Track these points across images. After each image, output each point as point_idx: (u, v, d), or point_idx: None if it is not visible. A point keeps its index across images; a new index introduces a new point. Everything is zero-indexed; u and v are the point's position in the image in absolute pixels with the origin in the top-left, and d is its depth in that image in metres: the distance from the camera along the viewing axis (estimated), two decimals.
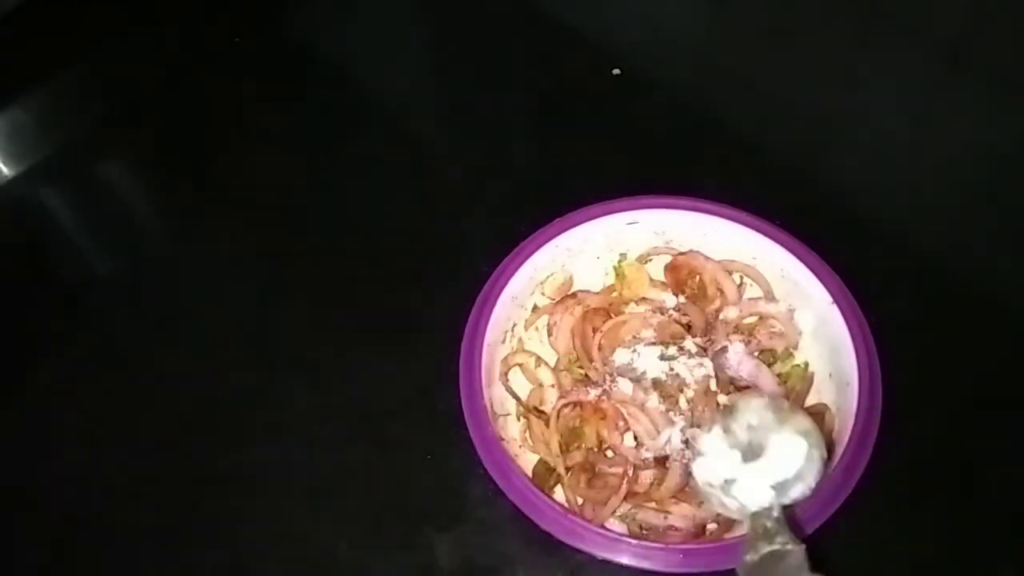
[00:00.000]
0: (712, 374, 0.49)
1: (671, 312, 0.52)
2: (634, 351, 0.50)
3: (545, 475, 0.49)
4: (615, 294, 0.54)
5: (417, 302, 0.58)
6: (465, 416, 0.47)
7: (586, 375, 0.52)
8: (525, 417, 0.51)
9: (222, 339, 0.58)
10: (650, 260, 0.55)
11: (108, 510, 0.52)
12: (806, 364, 0.52)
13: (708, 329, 0.52)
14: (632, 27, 0.75)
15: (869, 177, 0.64)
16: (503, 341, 0.52)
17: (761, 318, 0.53)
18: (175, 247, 0.65)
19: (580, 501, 0.48)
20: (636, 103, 0.69)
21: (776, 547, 0.37)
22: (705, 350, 0.50)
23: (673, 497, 0.48)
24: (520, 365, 0.52)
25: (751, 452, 0.40)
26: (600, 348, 0.51)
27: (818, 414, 0.49)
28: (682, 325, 0.52)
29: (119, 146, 0.71)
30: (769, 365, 0.51)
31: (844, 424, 0.46)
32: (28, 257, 0.65)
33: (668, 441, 0.47)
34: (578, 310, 0.53)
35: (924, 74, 0.69)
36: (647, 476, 0.47)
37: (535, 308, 0.54)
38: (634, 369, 0.49)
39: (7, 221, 0.67)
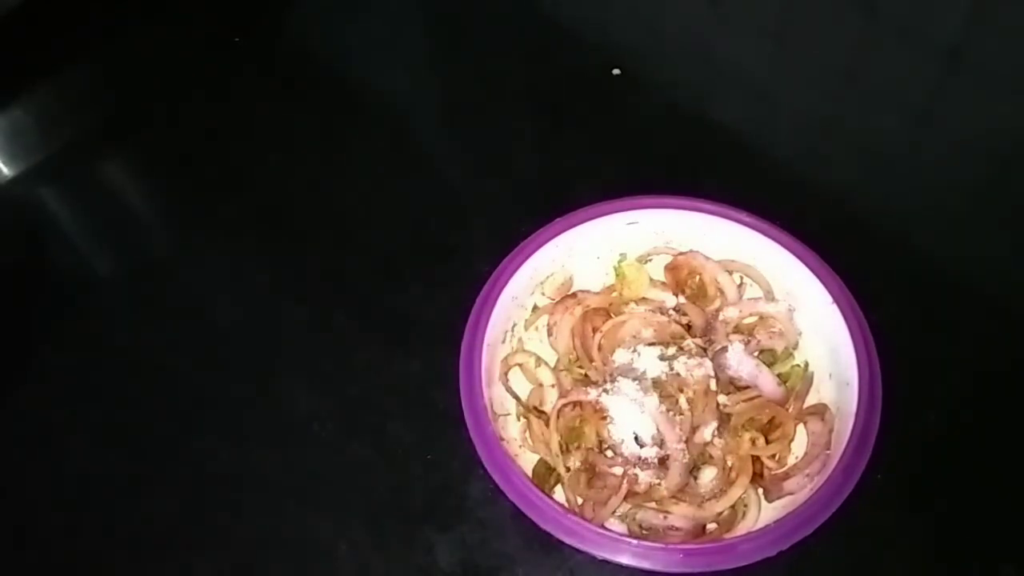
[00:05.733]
0: (712, 374, 0.49)
1: (671, 312, 0.52)
2: (634, 351, 0.50)
3: (545, 475, 0.49)
4: (615, 294, 0.54)
5: (417, 302, 0.58)
6: (465, 416, 0.47)
7: (586, 375, 0.52)
8: (525, 417, 0.51)
9: (222, 339, 0.58)
10: (650, 260, 0.55)
11: (108, 510, 0.52)
12: (806, 364, 0.52)
13: (708, 329, 0.52)
14: (632, 27, 0.75)
15: (869, 177, 0.64)
16: (503, 341, 0.52)
17: (761, 318, 0.53)
18: (175, 247, 0.65)
19: (580, 501, 0.48)
20: (636, 103, 0.69)
21: None
22: (705, 350, 0.50)
23: (673, 497, 0.48)
24: (520, 365, 0.52)
25: None
26: (600, 348, 0.51)
27: (818, 414, 0.49)
28: (682, 325, 0.51)
29: (119, 146, 0.71)
30: (769, 365, 0.51)
31: (844, 424, 0.46)
32: (28, 257, 0.65)
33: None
34: (578, 310, 0.53)
35: (924, 74, 0.69)
36: (647, 476, 0.47)
37: (535, 308, 0.54)
38: (634, 369, 0.49)
39: (7, 221, 0.67)
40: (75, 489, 0.53)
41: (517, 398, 0.51)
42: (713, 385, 0.49)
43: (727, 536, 0.46)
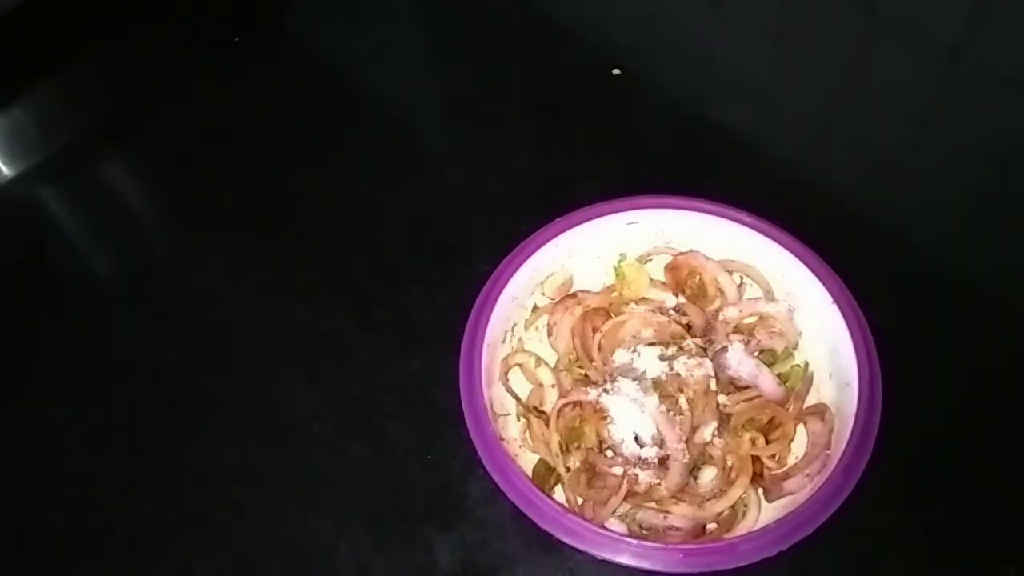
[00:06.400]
0: (712, 374, 0.49)
1: (671, 312, 0.52)
2: (634, 351, 0.50)
3: (545, 475, 0.49)
4: (615, 294, 0.54)
5: (417, 302, 0.58)
6: (465, 416, 0.47)
7: (586, 375, 0.52)
8: (525, 417, 0.51)
9: (222, 339, 0.58)
10: (650, 260, 0.55)
11: (108, 510, 0.52)
12: (806, 364, 0.52)
13: (708, 329, 0.52)
14: (632, 27, 0.75)
15: (869, 177, 0.64)
16: (503, 341, 0.52)
17: (761, 318, 0.53)
18: (175, 247, 0.65)
19: (580, 501, 0.48)
20: (636, 103, 0.69)
21: None
22: (705, 350, 0.50)
23: (673, 497, 0.48)
24: (520, 365, 0.52)
25: None
26: (600, 348, 0.51)
27: (818, 414, 0.49)
28: (682, 325, 0.51)
29: (119, 146, 0.71)
30: (769, 365, 0.51)
31: (844, 424, 0.46)
32: (28, 257, 0.65)
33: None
34: (578, 310, 0.53)
35: (924, 74, 0.69)
36: (647, 476, 0.47)
37: (535, 308, 0.54)
38: (634, 369, 0.49)
39: (7, 221, 0.67)
40: (75, 489, 0.53)
41: (517, 398, 0.51)
42: (713, 385, 0.49)
43: (727, 536, 0.46)
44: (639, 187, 0.54)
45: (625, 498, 0.47)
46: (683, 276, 0.54)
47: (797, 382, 0.51)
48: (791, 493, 0.47)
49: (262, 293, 0.60)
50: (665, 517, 0.47)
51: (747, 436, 0.48)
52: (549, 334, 0.54)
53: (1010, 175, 0.64)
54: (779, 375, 0.51)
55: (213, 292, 0.61)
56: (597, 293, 0.54)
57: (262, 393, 0.56)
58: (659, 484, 0.47)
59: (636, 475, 0.47)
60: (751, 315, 0.53)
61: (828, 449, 0.47)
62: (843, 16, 0.73)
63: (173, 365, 0.57)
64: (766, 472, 0.49)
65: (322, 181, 0.66)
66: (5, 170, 0.69)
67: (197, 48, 0.76)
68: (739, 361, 0.50)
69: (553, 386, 0.51)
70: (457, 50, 0.76)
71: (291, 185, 0.66)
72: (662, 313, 0.52)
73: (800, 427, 0.49)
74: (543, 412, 0.51)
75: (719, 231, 0.53)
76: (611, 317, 0.52)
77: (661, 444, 0.48)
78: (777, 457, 0.49)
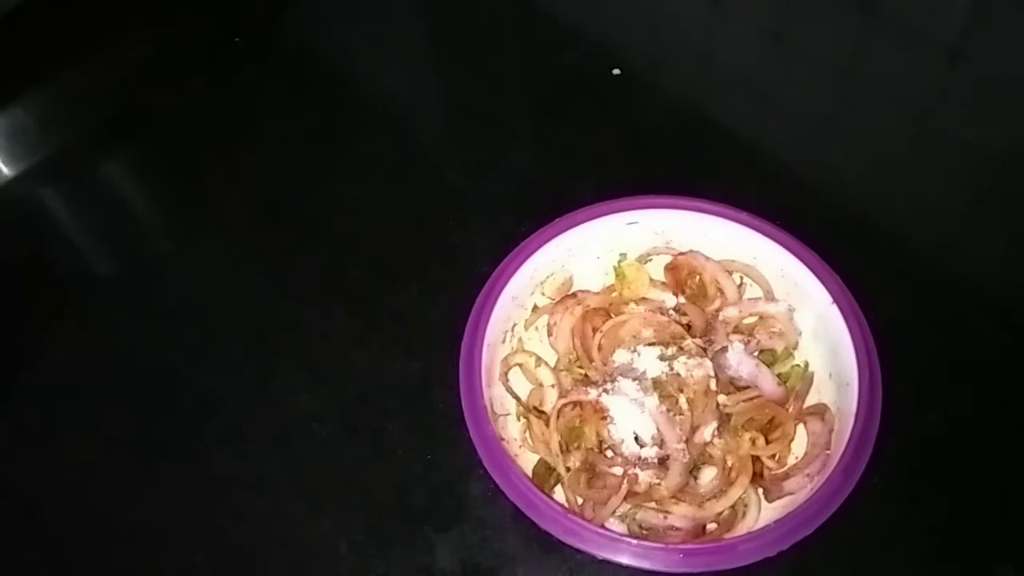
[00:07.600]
0: (712, 374, 0.49)
1: (671, 312, 0.53)
2: (634, 351, 0.50)
3: (545, 475, 0.49)
4: (615, 294, 0.54)
5: (417, 302, 0.58)
6: (465, 416, 0.47)
7: (586, 375, 0.52)
8: (525, 417, 0.51)
9: (222, 339, 0.58)
10: (650, 260, 0.55)
11: (108, 510, 0.52)
12: (806, 364, 0.52)
13: (708, 329, 0.52)
14: (632, 27, 0.75)
15: (869, 177, 0.64)
16: (503, 341, 0.52)
17: (761, 318, 0.53)
18: (175, 247, 0.65)
19: (580, 501, 0.49)
20: (636, 103, 0.69)
21: None
22: (705, 350, 0.50)
23: (673, 497, 0.48)
24: (520, 365, 0.52)
25: None
26: (600, 348, 0.51)
27: (818, 414, 0.49)
28: (682, 325, 0.52)
29: (119, 146, 0.71)
30: (769, 365, 0.51)
31: (844, 424, 0.46)
32: (28, 257, 0.65)
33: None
34: (578, 310, 0.53)
35: (924, 74, 0.69)
36: (647, 476, 0.47)
37: (535, 308, 0.54)
38: (634, 369, 0.49)
39: (7, 221, 0.67)
40: (75, 489, 0.53)
41: (517, 398, 0.51)
42: (713, 385, 0.49)
43: (727, 536, 0.46)
44: (639, 187, 0.54)
45: (625, 498, 0.47)
46: (683, 276, 0.54)
47: (797, 382, 0.51)
48: (791, 493, 0.47)
49: (262, 293, 0.60)
50: (665, 517, 0.47)
51: (747, 436, 0.48)
52: (549, 334, 0.54)
53: (1010, 175, 0.64)
54: (779, 375, 0.51)
55: (213, 292, 0.61)
56: (597, 293, 0.54)
57: (262, 393, 0.56)
58: (659, 484, 0.47)
59: (636, 475, 0.47)
60: (751, 315, 0.53)
61: (828, 449, 0.47)
62: (843, 16, 0.73)
63: (173, 365, 0.57)
64: (766, 472, 0.49)
65: (322, 181, 0.66)
66: (5, 170, 0.69)
67: (197, 48, 0.76)
68: (739, 361, 0.50)
69: (553, 386, 0.51)
70: (457, 50, 0.76)
71: (291, 185, 0.66)
72: (662, 313, 0.52)
73: (800, 427, 0.50)
74: (543, 412, 0.51)
75: (719, 231, 0.53)
76: (611, 317, 0.52)
77: (661, 444, 0.48)
78: (777, 457, 0.49)
